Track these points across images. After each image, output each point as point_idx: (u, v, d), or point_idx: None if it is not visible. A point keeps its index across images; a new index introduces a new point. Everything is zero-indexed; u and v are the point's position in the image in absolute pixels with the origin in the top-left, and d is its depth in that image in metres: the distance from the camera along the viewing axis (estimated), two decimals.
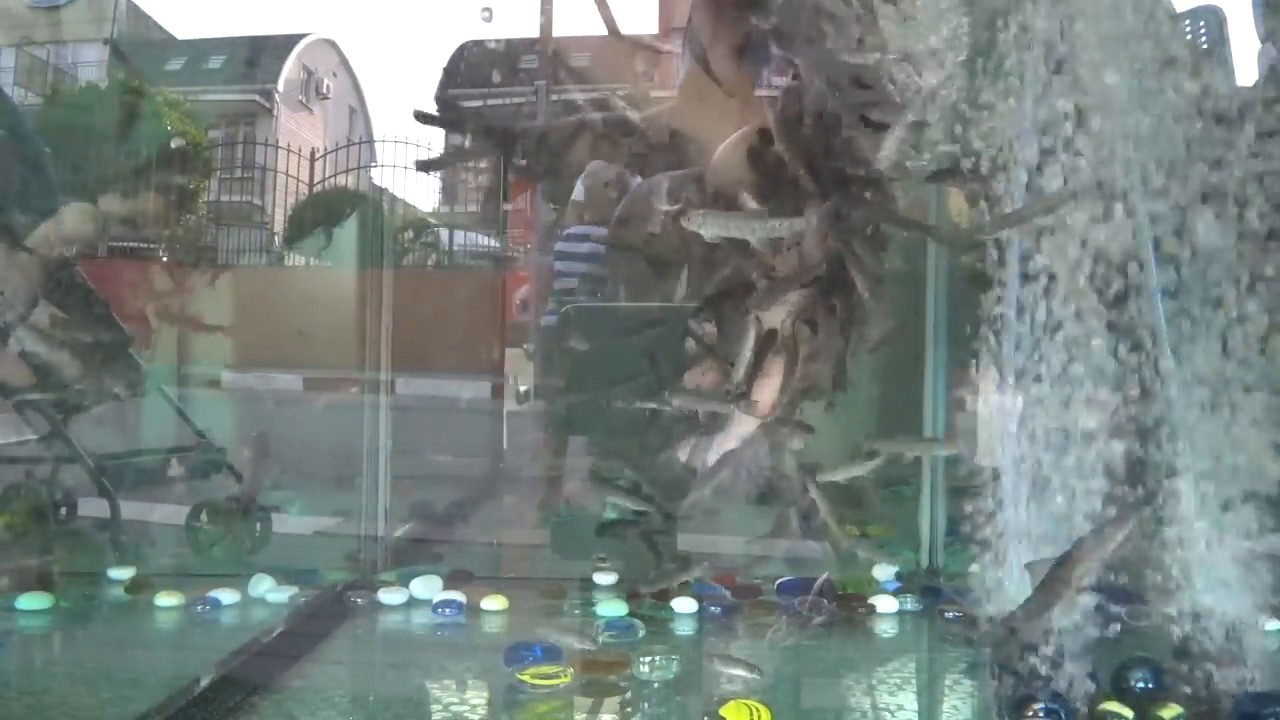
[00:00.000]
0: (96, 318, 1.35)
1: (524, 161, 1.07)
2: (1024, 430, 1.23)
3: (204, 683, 1.27)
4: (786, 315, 1.00)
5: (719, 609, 1.71)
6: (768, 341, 1.06)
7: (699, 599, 1.73)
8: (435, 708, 1.31)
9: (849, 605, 1.72)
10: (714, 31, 0.94)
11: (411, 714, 1.32)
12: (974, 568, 1.39)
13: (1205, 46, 1.36)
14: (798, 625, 1.63)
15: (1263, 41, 1.41)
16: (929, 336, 1.91)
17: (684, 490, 1.31)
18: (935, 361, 1.91)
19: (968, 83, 1.23)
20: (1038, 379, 1.21)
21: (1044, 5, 1.18)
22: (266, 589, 1.76)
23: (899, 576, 1.86)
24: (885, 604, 1.74)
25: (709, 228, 0.92)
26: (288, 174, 4.46)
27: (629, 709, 1.30)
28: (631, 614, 1.65)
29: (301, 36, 5.12)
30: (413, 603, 1.76)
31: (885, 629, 1.69)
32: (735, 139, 1.00)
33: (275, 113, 4.88)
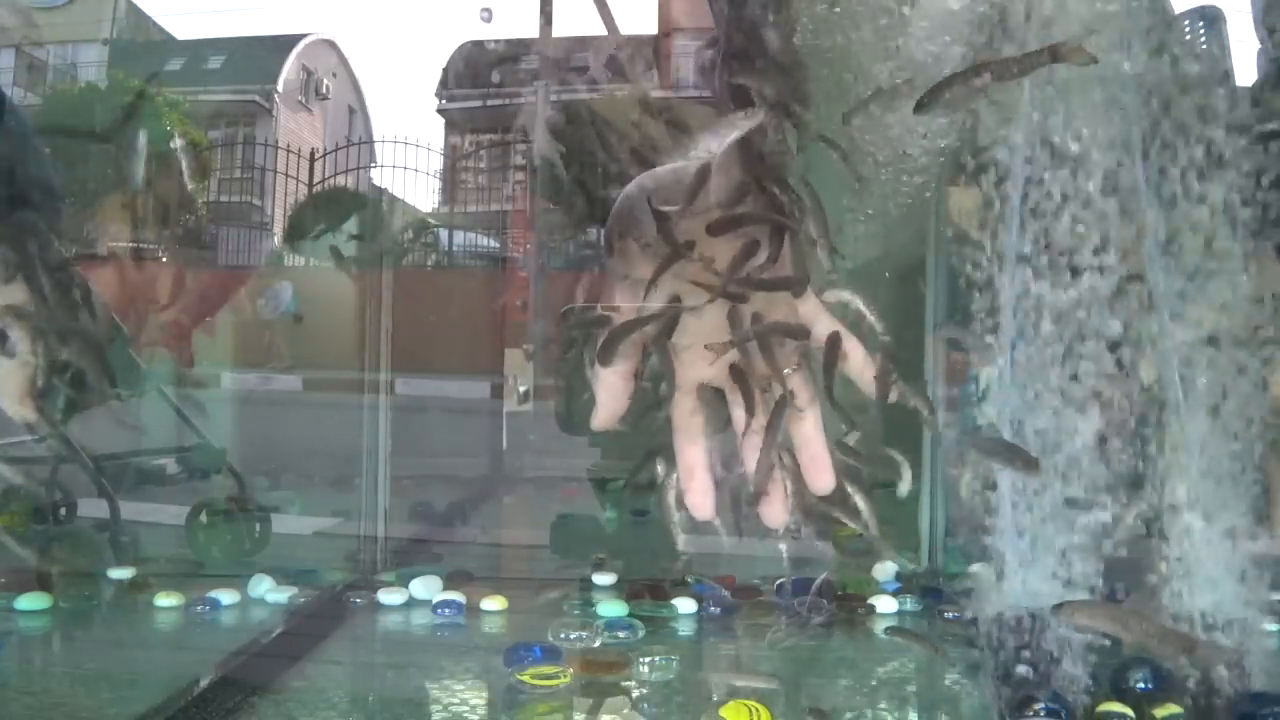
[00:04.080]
0: (92, 318, 1.34)
1: None
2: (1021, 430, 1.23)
3: (203, 683, 1.27)
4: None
5: (718, 609, 1.71)
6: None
7: (699, 599, 1.73)
8: (435, 708, 1.31)
9: (848, 605, 1.73)
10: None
11: (411, 714, 1.32)
12: (973, 568, 1.39)
13: (1204, 46, 1.36)
14: (797, 626, 1.63)
15: (1262, 42, 1.41)
16: (929, 335, 1.91)
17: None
18: (935, 360, 1.91)
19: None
20: (1035, 377, 1.21)
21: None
22: (266, 589, 1.76)
23: (899, 576, 1.86)
24: (885, 604, 1.74)
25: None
26: (287, 174, 4.45)
27: (629, 709, 1.30)
28: (632, 614, 1.65)
29: (301, 36, 5.10)
30: (412, 603, 1.76)
31: (885, 629, 1.69)
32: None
33: (275, 113, 4.87)
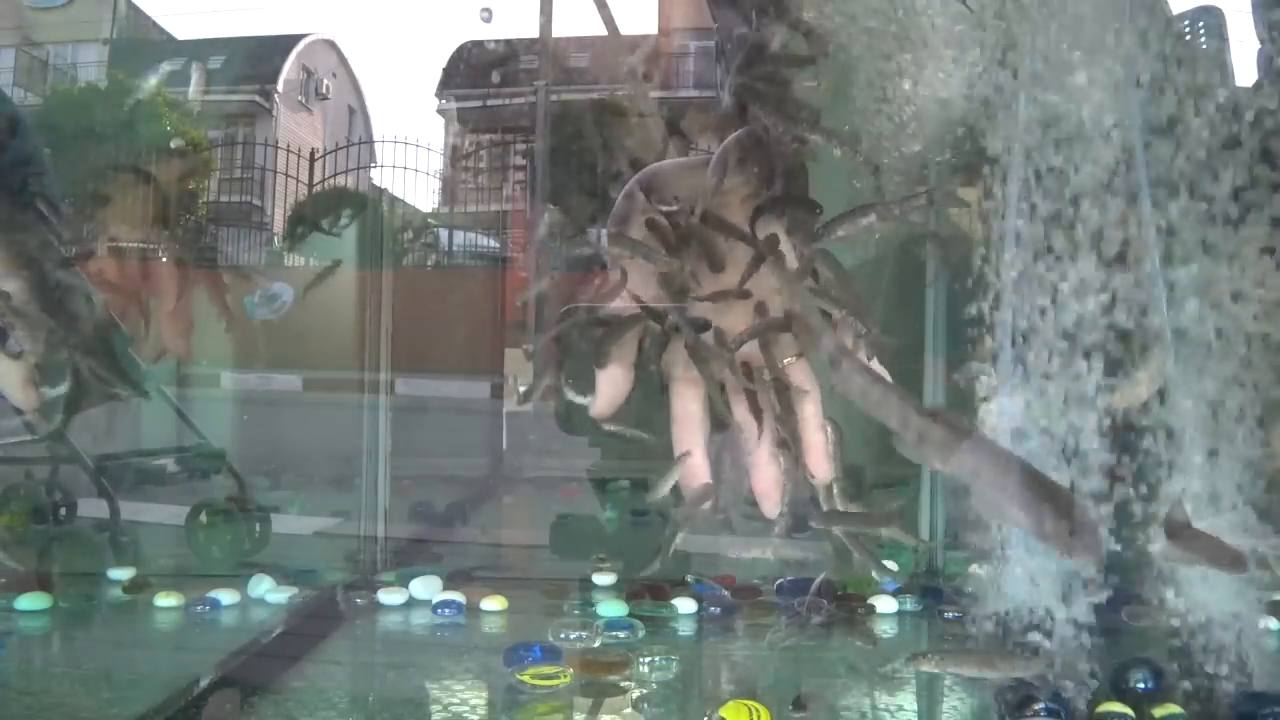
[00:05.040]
0: (94, 320, 1.35)
1: None
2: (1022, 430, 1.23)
3: (203, 683, 1.27)
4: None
5: (718, 609, 1.71)
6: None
7: (699, 599, 1.73)
8: (435, 708, 1.31)
9: (848, 605, 1.72)
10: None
11: (411, 714, 1.32)
12: (974, 568, 1.39)
13: (1205, 46, 1.36)
14: (797, 626, 1.63)
15: (1262, 42, 1.41)
16: (929, 336, 1.91)
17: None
18: (935, 361, 1.91)
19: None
20: (1036, 378, 1.21)
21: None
22: (266, 589, 1.76)
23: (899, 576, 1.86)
24: (885, 604, 1.74)
25: None
26: (287, 174, 4.45)
27: (629, 709, 1.30)
28: (632, 614, 1.65)
29: (301, 36, 5.10)
30: (412, 603, 1.76)
31: (885, 629, 1.69)
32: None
33: (275, 113, 4.87)
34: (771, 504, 0.93)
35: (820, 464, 0.92)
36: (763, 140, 0.95)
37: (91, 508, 2.16)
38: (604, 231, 0.96)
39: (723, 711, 1.17)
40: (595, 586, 1.85)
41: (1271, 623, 1.45)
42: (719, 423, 0.94)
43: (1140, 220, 1.19)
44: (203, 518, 2.09)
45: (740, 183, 0.95)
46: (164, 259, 1.83)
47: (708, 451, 0.93)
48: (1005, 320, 1.22)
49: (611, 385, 0.93)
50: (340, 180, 4.35)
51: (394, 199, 3.90)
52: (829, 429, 0.94)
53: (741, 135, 0.94)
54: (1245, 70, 1.37)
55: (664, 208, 0.92)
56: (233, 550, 2.06)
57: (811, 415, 0.93)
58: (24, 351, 1.16)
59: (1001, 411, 1.26)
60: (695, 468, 0.93)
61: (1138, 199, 1.19)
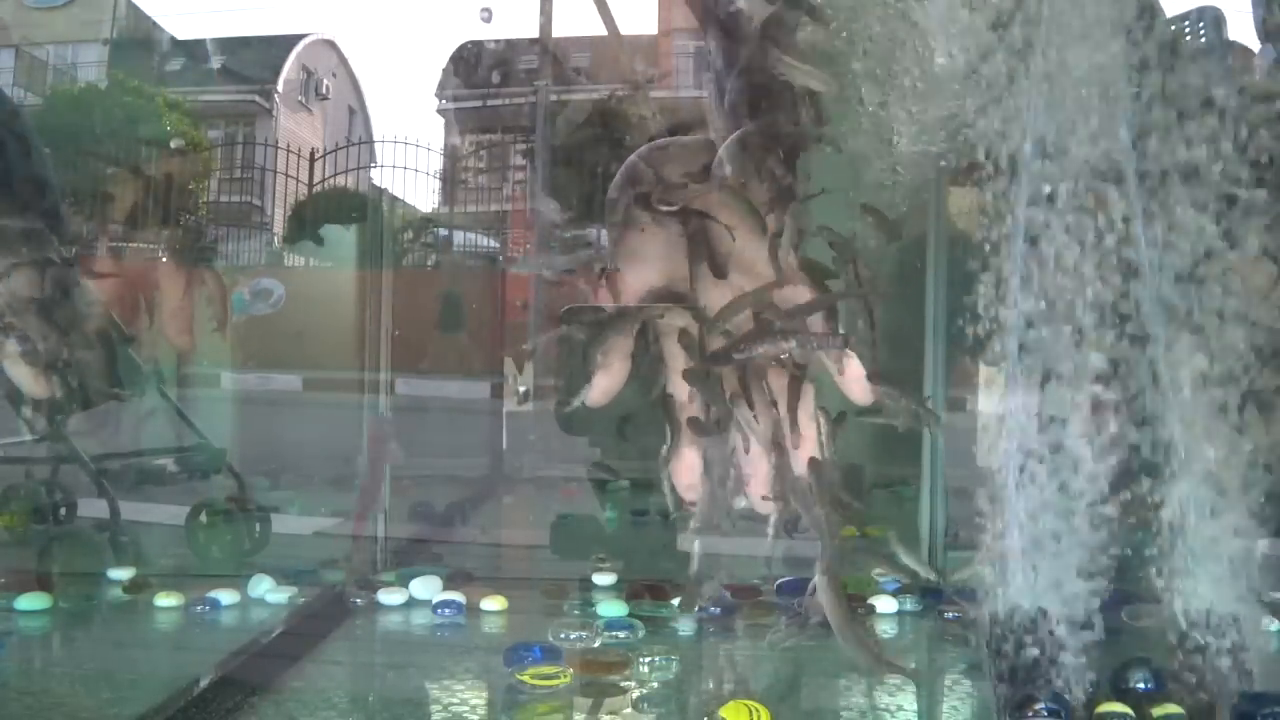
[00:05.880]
0: (94, 319, 1.36)
1: None
2: (1023, 430, 1.22)
3: (203, 683, 1.27)
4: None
5: (718, 609, 1.71)
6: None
7: None
8: (435, 708, 1.31)
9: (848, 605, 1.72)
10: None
11: (411, 714, 1.32)
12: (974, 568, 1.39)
13: (1204, 46, 1.36)
14: (797, 626, 1.63)
15: (1263, 42, 1.41)
16: (929, 335, 1.91)
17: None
18: (935, 360, 1.91)
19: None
20: (1037, 377, 1.21)
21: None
22: (266, 589, 1.76)
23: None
24: (885, 604, 1.74)
25: None
26: (287, 174, 4.45)
27: (629, 709, 1.30)
28: (632, 614, 1.65)
29: (301, 36, 5.10)
30: (412, 603, 1.76)
31: (885, 629, 1.69)
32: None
33: (275, 113, 4.87)
34: (756, 493, 0.93)
35: (808, 454, 0.93)
36: (770, 136, 0.95)
37: (91, 508, 2.16)
38: (603, 231, 0.97)
39: (723, 711, 1.17)
40: (595, 586, 1.85)
41: (1271, 623, 1.45)
42: (716, 423, 0.94)
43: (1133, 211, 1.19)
44: (203, 518, 2.09)
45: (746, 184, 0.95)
46: (164, 258, 1.84)
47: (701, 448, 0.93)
48: (1008, 316, 1.22)
49: (606, 377, 0.94)
50: (340, 180, 4.36)
51: (394, 199, 3.91)
52: (821, 420, 0.94)
53: (749, 131, 0.94)
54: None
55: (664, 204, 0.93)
56: (233, 550, 2.06)
57: (805, 406, 0.93)
58: (35, 352, 1.17)
59: (1005, 410, 1.25)
60: (689, 464, 0.93)
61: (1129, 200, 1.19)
